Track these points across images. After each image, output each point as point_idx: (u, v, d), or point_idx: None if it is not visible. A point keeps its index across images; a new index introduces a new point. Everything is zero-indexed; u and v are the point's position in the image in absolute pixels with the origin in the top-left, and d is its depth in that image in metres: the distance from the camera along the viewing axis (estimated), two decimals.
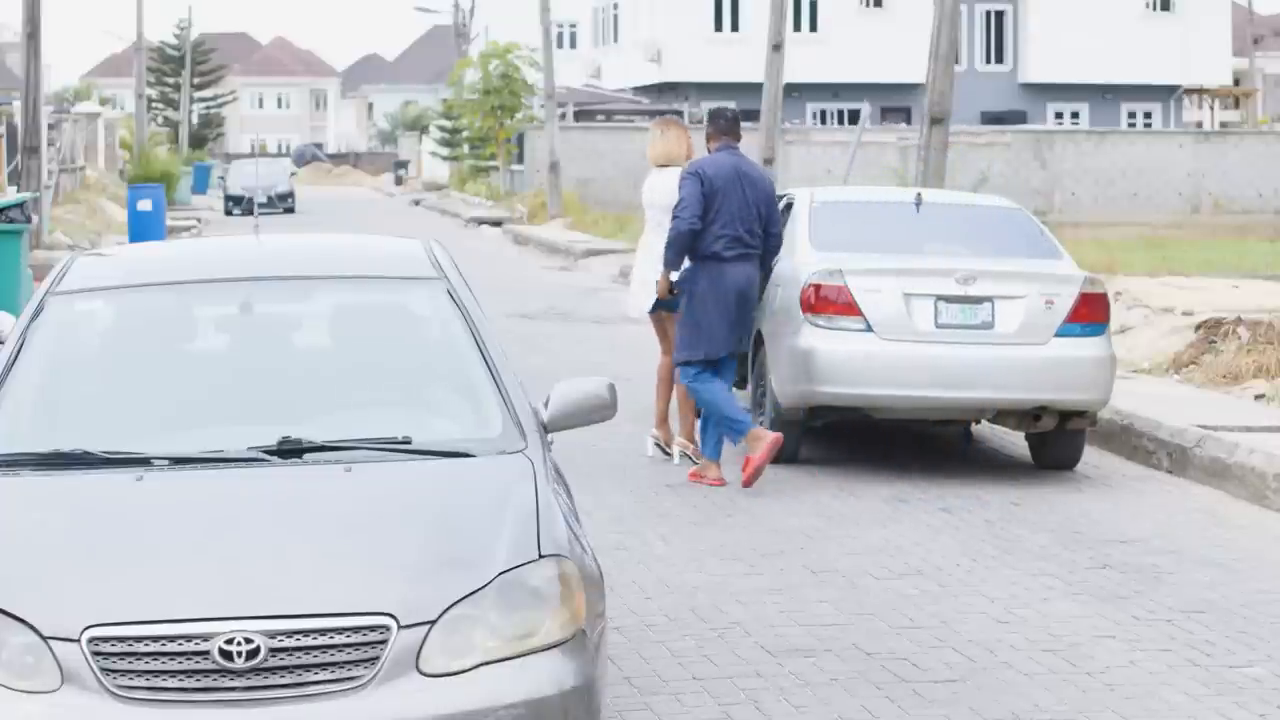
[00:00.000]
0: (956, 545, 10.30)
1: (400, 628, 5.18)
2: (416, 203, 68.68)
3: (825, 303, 12.43)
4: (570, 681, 5.31)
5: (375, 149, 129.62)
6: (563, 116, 55.12)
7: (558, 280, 30.58)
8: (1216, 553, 10.16)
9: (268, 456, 5.88)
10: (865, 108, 35.66)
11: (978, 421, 13.49)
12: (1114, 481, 12.45)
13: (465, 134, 69.98)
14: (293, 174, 71.51)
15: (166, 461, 5.88)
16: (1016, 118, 60.89)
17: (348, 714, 5.10)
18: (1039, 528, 10.79)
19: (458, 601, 5.26)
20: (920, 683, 7.61)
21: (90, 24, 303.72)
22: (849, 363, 12.34)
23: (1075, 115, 64.03)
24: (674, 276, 12.29)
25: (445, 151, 79.67)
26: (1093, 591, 9.20)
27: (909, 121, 56.05)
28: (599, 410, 6.36)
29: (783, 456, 12.82)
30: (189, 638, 5.12)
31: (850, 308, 12.39)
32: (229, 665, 5.10)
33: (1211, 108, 71.39)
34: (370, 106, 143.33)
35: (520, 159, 58.98)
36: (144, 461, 5.88)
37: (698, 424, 12.55)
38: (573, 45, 73.04)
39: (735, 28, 61.17)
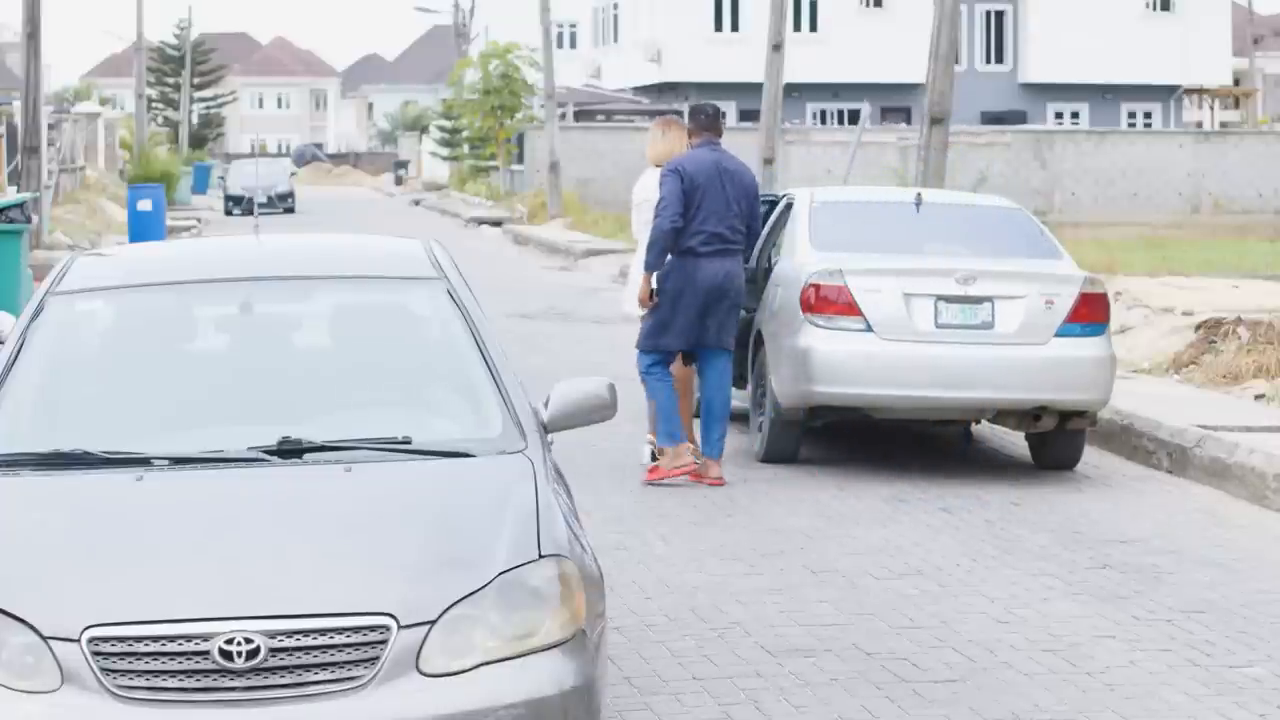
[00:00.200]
0: (956, 545, 10.30)
1: (400, 628, 5.18)
2: (416, 203, 68.69)
3: (825, 303, 12.43)
4: (570, 681, 5.31)
5: (375, 149, 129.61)
6: (563, 116, 55.12)
7: (558, 280, 30.59)
8: (1216, 553, 10.16)
9: (268, 456, 5.88)
10: (865, 108, 35.67)
11: (978, 421, 13.49)
12: (1114, 481, 12.45)
13: (465, 134, 69.98)
14: (293, 174, 71.53)
15: (166, 461, 5.88)
16: (1016, 118, 60.89)
17: (348, 714, 5.10)
18: (1039, 528, 10.80)
19: (458, 601, 5.26)
20: (920, 683, 7.61)
21: (90, 24, 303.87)
22: (849, 363, 12.34)
23: (1075, 115, 64.04)
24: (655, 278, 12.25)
25: (445, 151, 79.67)
26: (1093, 591, 9.20)
27: (909, 121, 56.04)
28: (599, 410, 6.36)
29: (783, 456, 12.84)
30: (189, 638, 5.12)
31: (850, 308, 12.39)
32: (229, 665, 5.10)
33: (1211, 108, 71.40)
34: (370, 106, 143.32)
35: (520, 159, 58.98)
36: (144, 461, 5.88)
37: (696, 424, 12.55)
38: (573, 45, 73.04)
39: (735, 28, 61.18)
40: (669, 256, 12.15)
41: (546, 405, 6.32)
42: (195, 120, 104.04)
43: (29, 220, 20.44)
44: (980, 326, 12.39)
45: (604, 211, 45.45)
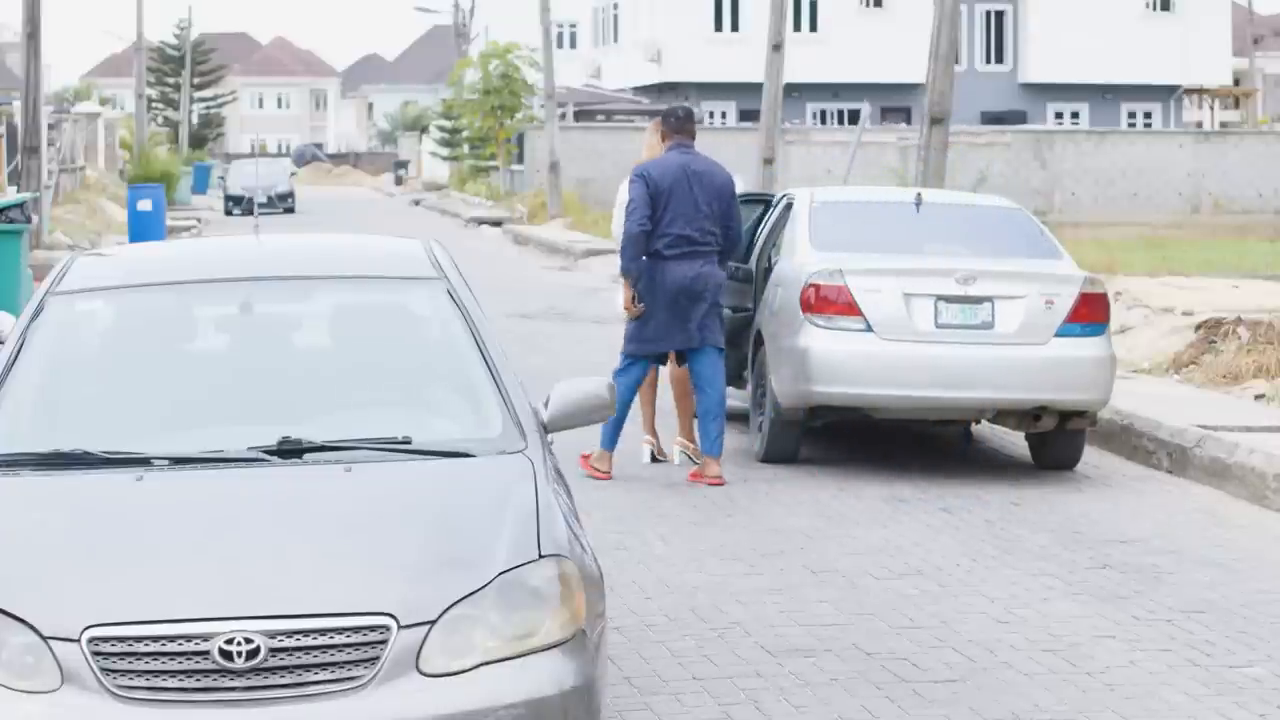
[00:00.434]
0: (956, 545, 10.30)
1: (400, 628, 5.18)
2: (416, 203, 68.69)
3: (825, 303, 12.43)
4: (570, 681, 5.31)
5: (375, 149, 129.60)
6: (563, 116, 55.12)
7: (558, 280, 30.59)
8: (1216, 553, 10.16)
9: (268, 456, 5.88)
10: (865, 108, 35.67)
11: (978, 421, 13.49)
12: (1114, 481, 12.45)
13: (465, 134, 69.98)
14: (293, 174, 71.52)
15: (166, 461, 5.88)
16: (1016, 118, 60.89)
17: (348, 714, 5.10)
18: (1039, 528, 10.80)
19: (458, 601, 5.26)
20: (920, 683, 7.61)
21: (90, 24, 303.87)
22: (849, 363, 12.35)
23: (1075, 115, 64.04)
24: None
25: (445, 151, 79.67)
26: (1093, 591, 9.20)
27: (909, 121, 56.05)
28: (599, 410, 6.36)
29: (783, 456, 12.84)
30: (189, 638, 5.12)
31: (850, 308, 12.39)
32: (229, 665, 5.10)
33: (1211, 108, 71.40)
34: (370, 106, 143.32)
35: (520, 159, 58.98)
36: (144, 461, 5.88)
37: (695, 423, 12.56)
38: (573, 45, 73.04)
39: (735, 28, 61.18)
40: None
41: (546, 405, 6.32)
42: (195, 120, 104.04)
43: (29, 220, 20.44)
44: (980, 326, 12.39)
45: (604, 211, 45.34)
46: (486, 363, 6.36)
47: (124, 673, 5.09)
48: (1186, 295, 19.95)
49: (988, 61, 63.71)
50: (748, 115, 55.05)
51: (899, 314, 12.35)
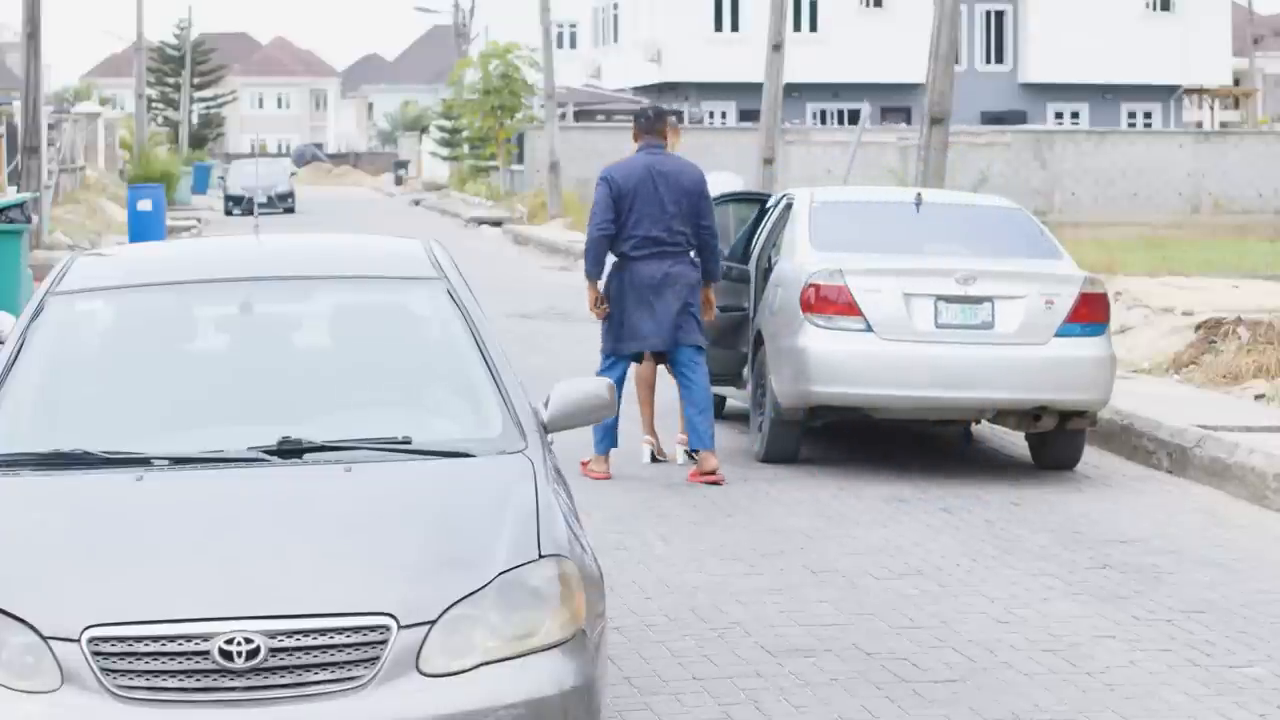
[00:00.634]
0: (956, 545, 10.30)
1: (400, 628, 5.18)
2: (416, 203, 68.69)
3: (825, 303, 12.44)
4: (570, 681, 5.31)
5: (375, 149, 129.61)
6: (563, 116, 55.13)
7: (558, 280, 30.58)
8: (1216, 553, 10.16)
9: (268, 456, 5.87)
10: (865, 108, 35.65)
11: (978, 421, 13.49)
12: (1114, 481, 12.45)
13: (465, 134, 69.99)
14: (293, 174, 71.52)
15: (166, 461, 5.88)
16: (1016, 118, 60.89)
17: (348, 714, 5.10)
18: (1039, 528, 10.79)
19: (458, 601, 5.26)
20: (920, 683, 7.61)
21: (90, 24, 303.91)
22: (849, 363, 12.35)
23: (1075, 115, 64.04)
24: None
25: (445, 151, 79.68)
26: (1093, 591, 9.20)
27: (909, 121, 56.05)
28: (599, 410, 6.36)
29: (783, 456, 12.84)
30: (189, 638, 5.12)
31: (850, 308, 12.39)
32: (229, 665, 5.10)
33: (1211, 108, 71.40)
34: (370, 106, 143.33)
35: (520, 159, 58.98)
36: (144, 461, 5.88)
37: (683, 420, 12.60)
38: (573, 45, 73.05)
39: (735, 28, 61.18)
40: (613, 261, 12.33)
41: (546, 405, 6.32)
42: (195, 120, 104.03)
43: (29, 220, 20.44)
44: (980, 326, 12.39)
45: None
46: (486, 363, 6.36)
47: (124, 673, 5.09)
48: (1186, 295, 19.96)
49: (988, 61, 63.71)
50: (748, 115, 55.05)
51: (899, 314, 12.35)
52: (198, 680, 5.10)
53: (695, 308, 12.36)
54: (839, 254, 12.73)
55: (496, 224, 48.68)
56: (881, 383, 12.34)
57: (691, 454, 12.74)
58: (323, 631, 5.15)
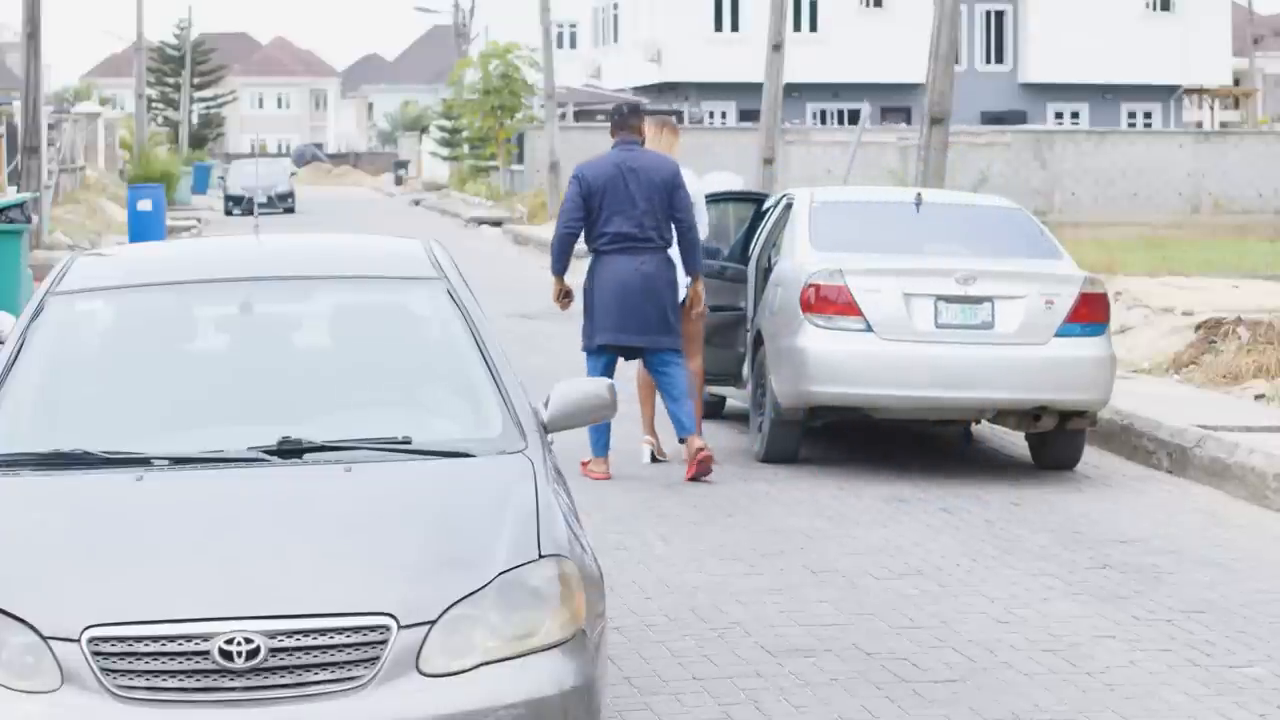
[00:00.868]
0: (956, 545, 10.30)
1: (400, 628, 5.18)
2: (416, 203, 68.69)
3: (825, 303, 12.44)
4: (570, 681, 5.31)
5: (375, 149, 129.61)
6: (563, 116, 55.12)
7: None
8: (1216, 553, 10.16)
9: (268, 456, 5.87)
10: (865, 108, 35.65)
11: (978, 421, 13.49)
12: (1114, 481, 12.45)
13: (465, 134, 70.01)
14: (293, 174, 71.52)
15: (166, 461, 5.88)
16: (1016, 118, 60.88)
17: (348, 714, 5.10)
18: (1039, 528, 10.79)
19: (458, 601, 5.26)
20: (920, 683, 7.61)
21: (90, 24, 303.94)
22: (849, 363, 12.35)
23: (1075, 115, 64.04)
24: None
25: (445, 151, 79.68)
26: (1093, 591, 9.20)
27: (909, 121, 56.04)
28: (599, 410, 6.36)
29: (783, 456, 12.84)
30: (189, 638, 5.12)
31: (850, 308, 12.39)
32: (229, 665, 5.10)
33: (1211, 108, 71.40)
34: (370, 106, 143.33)
35: (520, 159, 58.98)
36: (144, 461, 5.87)
37: (700, 421, 12.61)
38: (573, 45, 73.04)
39: (735, 28, 61.18)
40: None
41: (546, 405, 6.32)
42: (195, 120, 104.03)
43: (29, 220, 20.44)
44: (980, 326, 12.39)
45: None
46: (486, 363, 6.36)
47: (124, 673, 5.09)
48: (1186, 295, 19.96)
49: (988, 61, 63.71)
50: (748, 115, 55.04)
51: (899, 314, 12.35)
52: (198, 680, 5.10)
53: (671, 308, 12.34)
54: (839, 254, 12.73)
55: (496, 224, 48.67)
56: (881, 383, 12.34)
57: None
58: (323, 631, 5.15)
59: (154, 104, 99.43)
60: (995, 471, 12.80)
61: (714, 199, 14.54)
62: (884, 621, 8.57)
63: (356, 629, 5.16)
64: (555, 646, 5.32)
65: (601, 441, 12.24)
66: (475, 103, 62.99)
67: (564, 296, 12.68)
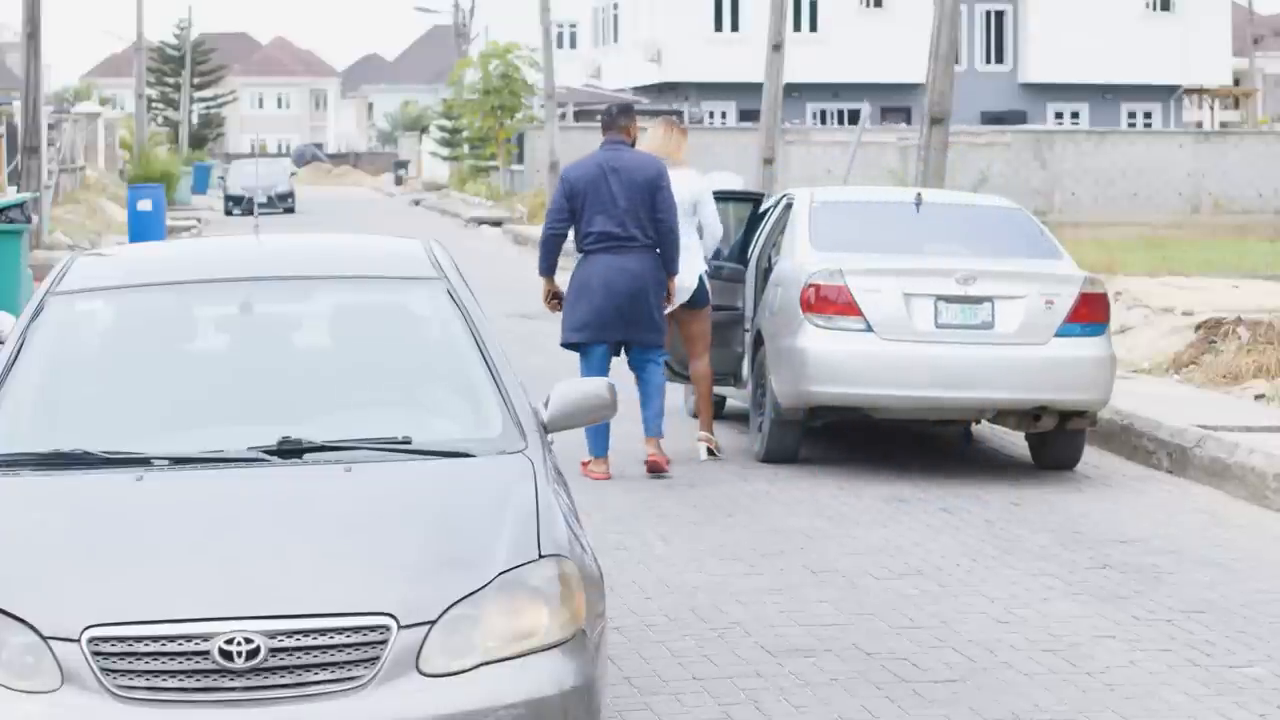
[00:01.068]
0: (956, 545, 10.30)
1: (400, 628, 5.18)
2: (416, 203, 68.69)
3: (825, 303, 12.44)
4: (570, 681, 5.31)
5: (375, 149, 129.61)
6: (563, 116, 55.11)
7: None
8: (1216, 553, 10.16)
9: (268, 456, 5.87)
10: (865, 108, 35.64)
11: (978, 421, 13.49)
12: (1114, 481, 12.45)
13: (465, 134, 70.02)
14: (293, 174, 71.52)
15: (166, 461, 5.88)
16: (1016, 118, 60.88)
17: (348, 714, 5.10)
18: (1039, 528, 10.79)
19: (458, 601, 5.26)
20: (920, 683, 7.61)
21: (90, 24, 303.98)
22: (849, 363, 12.35)
23: (1075, 115, 64.04)
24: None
25: (445, 151, 79.69)
26: (1093, 591, 9.20)
27: (909, 121, 56.04)
28: (599, 410, 6.36)
29: (783, 456, 12.85)
30: (189, 638, 5.12)
31: (850, 308, 12.39)
32: (229, 665, 5.10)
33: (1211, 108, 71.40)
34: (370, 106, 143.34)
35: (520, 159, 58.98)
36: (144, 461, 5.87)
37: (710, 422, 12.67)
38: (573, 45, 73.04)
39: (735, 28, 61.18)
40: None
41: (546, 405, 6.32)
42: (195, 120, 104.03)
43: (29, 220, 20.44)
44: (980, 326, 12.39)
45: None
46: (486, 363, 6.36)
47: (124, 673, 5.09)
48: (1186, 295, 19.96)
49: (988, 61, 63.71)
50: (748, 115, 55.05)
51: (899, 314, 12.35)
52: (198, 680, 5.10)
53: (654, 305, 12.36)
54: (839, 254, 12.73)
55: (496, 224, 48.67)
56: (881, 383, 12.34)
57: (712, 452, 12.84)
58: (323, 631, 5.15)
59: (154, 104, 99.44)
60: (995, 471, 12.80)
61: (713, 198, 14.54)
62: (884, 621, 8.57)
63: (356, 629, 5.16)
64: (555, 646, 5.32)
65: (601, 442, 12.25)
66: (475, 103, 63.00)
67: (553, 298, 12.70)
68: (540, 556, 5.43)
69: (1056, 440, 12.80)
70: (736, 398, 14.24)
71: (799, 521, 10.92)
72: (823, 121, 61.34)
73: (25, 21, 33.08)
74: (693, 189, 12.96)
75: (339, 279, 6.87)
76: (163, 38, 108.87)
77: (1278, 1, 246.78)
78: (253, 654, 5.10)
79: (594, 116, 58.50)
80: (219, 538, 5.44)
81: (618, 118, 12.63)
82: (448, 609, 5.24)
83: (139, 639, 5.11)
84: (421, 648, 5.19)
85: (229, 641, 5.11)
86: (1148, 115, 64.72)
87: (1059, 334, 12.39)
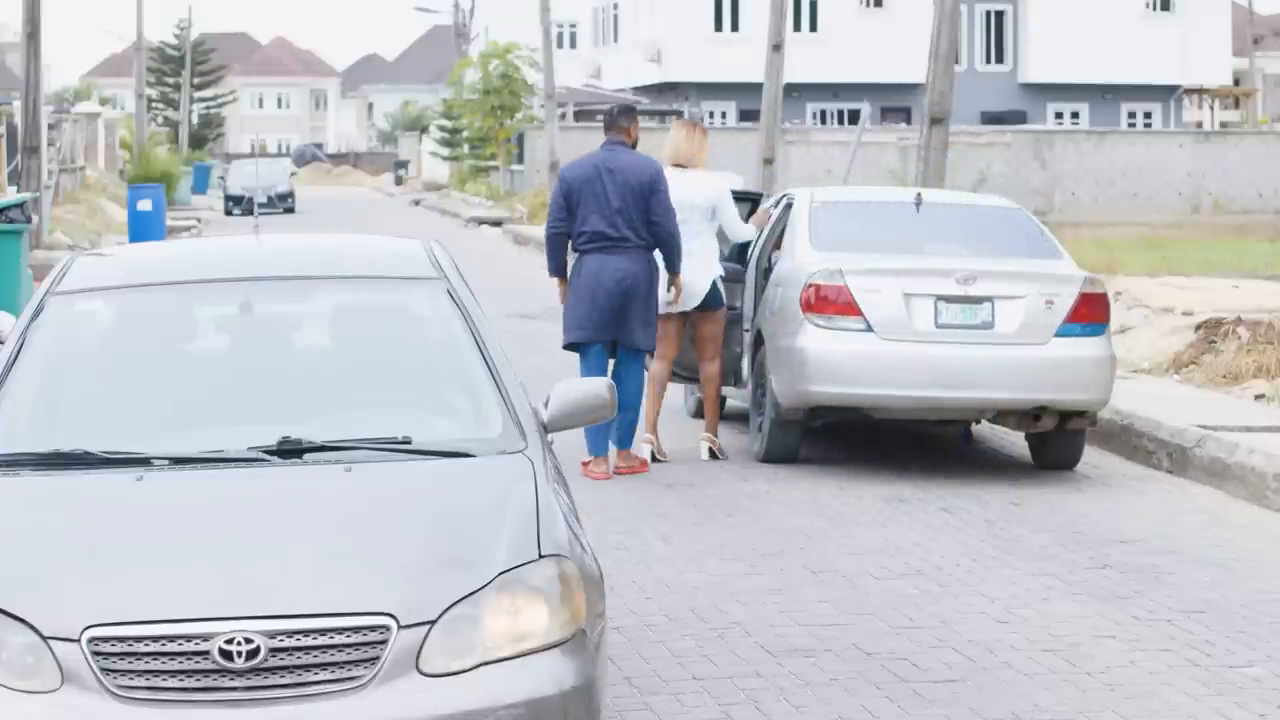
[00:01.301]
0: (956, 545, 10.30)
1: (400, 628, 5.18)
2: (416, 203, 68.67)
3: (825, 303, 12.43)
4: (570, 681, 5.31)
5: (375, 149, 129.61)
6: (563, 116, 55.13)
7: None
8: (1216, 553, 10.15)
9: (268, 456, 5.87)
10: (865, 108, 35.58)
11: (978, 421, 13.49)
12: (1114, 481, 12.45)
13: (465, 134, 70.01)
14: (293, 174, 71.52)
15: (166, 461, 5.88)
16: (1016, 118, 60.89)
17: (348, 714, 5.10)
18: (1039, 528, 10.79)
19: (458, 601, 5.26)
20: (920, 683, 7.61)
21: (90, 24, 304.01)
22: (849, 363, 12.34)
23: (1075, 115, 64.04)
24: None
25: (445, 151, 79.68)
26: (1093, 591, 9.20)
27: (909, 121, 56.05)
28: (599, 410, 6.36)
29: (783, 456, 12.85)
30: (189, 638, 5.12)
31: (850, 308, 12.39)
32: (229, 665, 5.10)
33: (1211, 108, 71.40)
34: (370, 106, 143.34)
35: (520, 159, 58.98)
36: (144, 461, 5.87)
37: (718, 422, 12.68)
38: (573, 45, 73.05)
39: (735, 28, 61.18)
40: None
41: (546, 405, 6.32)
42: (195, 120, 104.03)
43: (29, 220, 20.44)
44: (980, 326, 12.39)
45: None
46: (486, 363, 6.36)
47: (124, 673, 5.09)
48: (1186, 295, 19.96)
49: (988, 61, 63.71)
50: (748, 115, 55.05)
51: (899, 314, 12.35)
52: (198, 680, 5.10)
53: (645, 308, 12.35)
54: (839, 254, 12.73)
55: (496, 224, 48.66)
56: (881, 383, 12.34)
57: (714, 453, 12.84)
58: (323, 631, 5.15)
59: (154, 104, 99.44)
60: (995, 471, 12.80)
61: None
62: (884, 621, 8.57)
63: (356, 629, 5.16)
64: (555, 646, 5.32)
65: (601, 442, 12.25)
66: (475, 103, 62.99)
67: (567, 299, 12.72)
68: (540, 556, 5.43)
69: (1056, 440, 12.80)
70: (736, 398, 14.24)
71: (799, 521, 10.92)
72: (823, 121, 61.34)
73: (25, 21, 33.07)
74: (708, 192, 12.96)
75: (339, 279, 6.88)
76: (163, 38, 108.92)
77: (1278, 1, 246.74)
78: (253, 654, 5.11)
79: (594, 116, 58.55)
80: (219, 538, 5.44)
81: (618, 119, 12.65)
82: (448, 609, 5.24)
83: (139, 639, 5.11)
84: (421, 648, 5.19)
85: (229, 641, 5.11)
86: (1148, 115, 64.72)
87: (1059, 334, 12.39)
